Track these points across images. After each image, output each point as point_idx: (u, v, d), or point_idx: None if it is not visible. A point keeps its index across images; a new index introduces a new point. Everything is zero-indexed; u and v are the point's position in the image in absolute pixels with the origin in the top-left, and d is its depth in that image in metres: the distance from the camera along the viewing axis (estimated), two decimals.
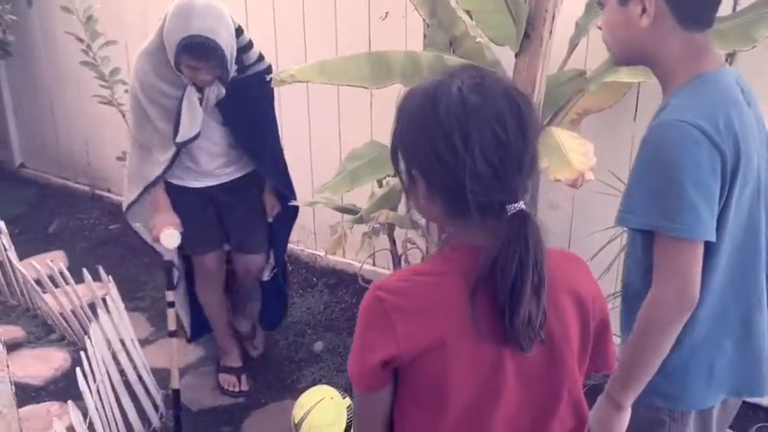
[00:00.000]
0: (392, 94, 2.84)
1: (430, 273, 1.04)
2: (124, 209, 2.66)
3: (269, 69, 2.48)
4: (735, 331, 1.37)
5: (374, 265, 3.47)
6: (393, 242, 2.79)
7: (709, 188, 1.20)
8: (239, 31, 2.37)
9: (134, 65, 2.42)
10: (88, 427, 2.06)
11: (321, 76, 2.17)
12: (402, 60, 2.29)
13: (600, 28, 1.38)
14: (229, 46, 2.28)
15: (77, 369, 2.08)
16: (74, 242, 4.44)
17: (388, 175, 2.72)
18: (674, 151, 1.20)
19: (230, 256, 2.86)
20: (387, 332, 0.98)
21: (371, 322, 1.01)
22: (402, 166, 1.05)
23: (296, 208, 2.75)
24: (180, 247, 2.58)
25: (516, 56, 2.29)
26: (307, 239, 3.69)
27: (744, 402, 1.61)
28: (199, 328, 2.95)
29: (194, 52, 2.21)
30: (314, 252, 3.70)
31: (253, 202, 2.70)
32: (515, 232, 0.96)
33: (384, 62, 2.27)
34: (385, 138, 2.73)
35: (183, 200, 2.58)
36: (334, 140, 3.50)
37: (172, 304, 2.59)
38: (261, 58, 2.49)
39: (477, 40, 2.39)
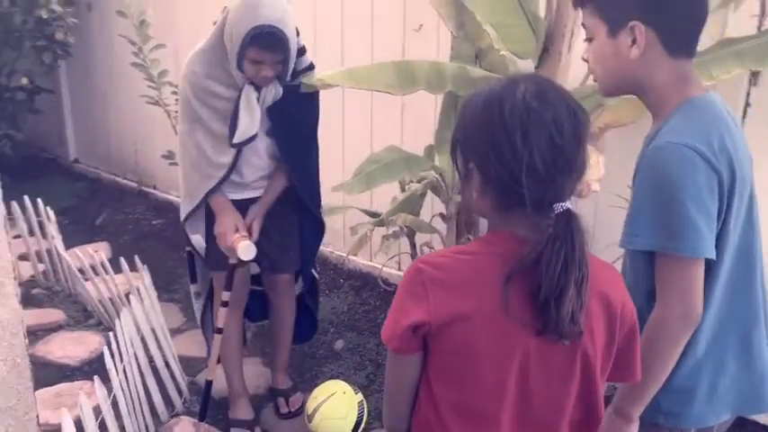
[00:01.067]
0: (421, 103, 2.96)
1: (470, 252, 1.13)
2: (182, 219, 2.51)
3: (312, 67, 2.40)
4: (735, 349, 1.39)
5: (399, 269, 3.57)
6: (413, 246, 2.87)
7: (708, 208, 1.24)
8: (297, 32, 2.29)
9: (184, 68, 2.32)
10: (113, 405, 2.20)
11: (349, 81, 2.28)
12: (427, 69, 2.38)
13: (586, 60, 1.40)
14: (294, 41, 2.21)
15: (104, 348, 2.21)
16: (118, 234, 4.66)
17: (412, 181, 2.82)
18: (674, 173, 1.23)
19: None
20: (420, 300, 1.07)
21: (409, 290, 1.10)
22: (460, 160, 1.15)
23: (323, 227, 2.68)
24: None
25: (536, 69, 2.35)
26: (336, 242, 3.80)
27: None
28: None
29: (263, 42, 2.12)
30: (342, 254, 3.80)
31: (287, 218, 2.57)
32: (562, 230, 1.03)
33: (409, 70, 2.36)
34: (414, 143, 2.83)
35: None
36: (366, 145, 3.61)
37: (225, 304, 2.48)
38: (312, 66, 2.41)
39: (502, 52, 2.46)
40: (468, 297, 1.07)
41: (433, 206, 2.87)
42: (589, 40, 1.37)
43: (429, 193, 2.74)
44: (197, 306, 2.77)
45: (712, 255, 1.26)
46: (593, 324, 1.10)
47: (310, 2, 3.69)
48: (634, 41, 1.29)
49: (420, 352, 1.13)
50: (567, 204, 1.05)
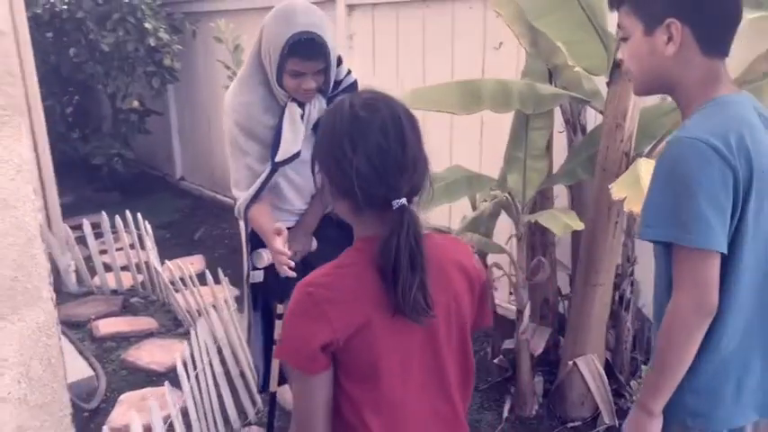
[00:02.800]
0: (503, 124, 2.93)
1: (347, 264, 1.21)
2: (240, 210, 2.28)
3: (356, 83, 2.29)
4: (763, 350, 1.37)
5: None
6: (485, 266, 2.82)
7: (721, 202, 1.24)
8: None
9: (225, 101, 2.20)
10: (184, 409, 2.30)
11: (411, 102, 2.28)
12: (492, 88, 2.36)
13: (622, 60, 1.37)
14: (333, 47, 2.11)
15: (177, 354, 2.32)
16: (214, 248, 4.90)
17: (485, 200, 2.78)
18: (687, 166, 1.25)
19: None
20: (320, 321, 1.14)
21: (305, 313, 1.16)
22: (316, 172, 1.25)
23: None
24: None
25: (608, 85, 2.27)
26: None
27: None
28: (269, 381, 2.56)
29: (303, 49, 2.01)
30: None
31: (336, 242, 2.32)
32: (398, 222, 1.14)
33: (474, 90, 2.36)
34: (491, 164, 2.80)
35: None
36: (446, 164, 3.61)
37: (280, 317, 2.41)
38: (348, 71, 2.28)
39: (576, 69, 2.40)
40: (360, 306, 1.16)
41: (511, 226, 2.82)
42: (624, 39, 1.39)
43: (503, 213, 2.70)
44: (278, 324, 2.72)
45: (723, 248, 1.26)
46: (457, 290, 1.24)
47: (393, 19, 3.76)
48: (670, 39, 1.30)
49: (331, 368, 1.19)
50: (403, 200, 1.14)
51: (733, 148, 1.24)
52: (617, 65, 2.20)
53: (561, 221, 2.19)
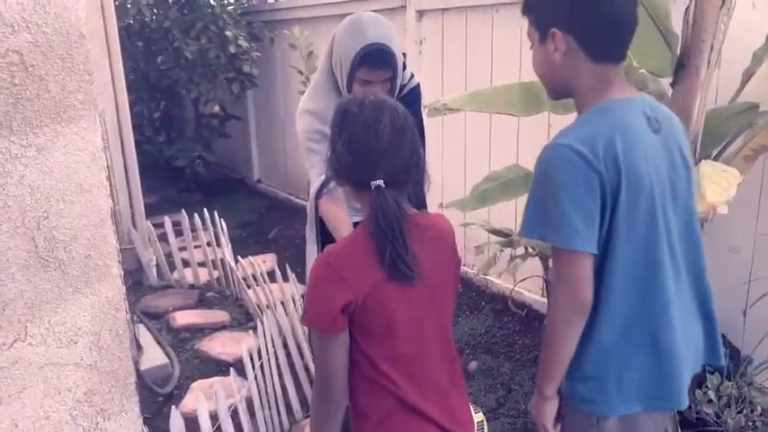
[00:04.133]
0: (539, 122, 2.91)
1: (354, 239, 1.41)
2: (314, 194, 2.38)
3: (419, 87, 2.41)
4: (642, 347, 1.45)
5: (542, 295, 3.50)
6: (546, 268, 2.82)
7: (585, 205, 1.33)
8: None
9: (299, 109, 2.31)
10: (249, 399, 2.42)
11: (471, 104, 2.33)
12: None
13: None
14: (400, 57, 2.23)
15: (243, 344, 2.45)
16: (286, 248, 5.06)
17: None
18: (555, 171, 1.35)
19: None
20: (341, 284, 1.33)
21: (326, 280, 1.34)
22: None
23: None
24: None
25: (672, 86, 2.24)
26: (481, 263, 3.82)
27: None
28: None
29: (373, 59, 2.14)
30: (486, 277, 3.81)
31: None
32: (376, 201, 1.34)
33: (535, 92, 2.37)
34: (530, 162, 2.81)
35: None
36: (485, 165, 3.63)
37: None
38: (411, 75, 2.40)
39: (641, 71, 2.38)
40: (371, 271, 1.34)
41: None
42: (532, 47, 1.50)
43: None
44: None
45: (589, 248, 1.35)
46: (443, 258, 1.45)
47: (462, 24, 3.80)
48: (556, 47, 1.41)
49: (347, 330, 1.36)
50: (379, 182, 1.34)
51: (599, 154, 1.32)
52: (681, 65, 2.17)
53: None
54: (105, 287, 1.12)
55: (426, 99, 2.53)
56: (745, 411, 2.42)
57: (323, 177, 2.30)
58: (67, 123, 1.06)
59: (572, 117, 2.80)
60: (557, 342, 1.44)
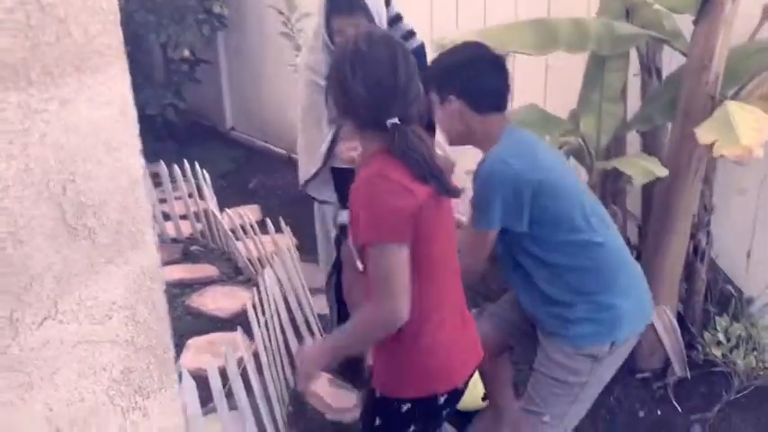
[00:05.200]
0: (568, 64, 2.81)
1: (387, 165, 1.44)
2: (301, 183, 2.51)
3: (421, 48, 2.30)
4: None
5: None
6: None
7: (510, 203, 1.76)
8: (387, 2, 2.25)
9: (299, 66, 2.33)
10: (255, 356, 2.34)
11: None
12: (568, 28, 2.25)
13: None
14: (376, 6, 2.15)
15: (247, 301, 2.35)
16: (268, 198, 4.91)
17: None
18: (488, 177, 1.78)
19: None
20: (403, 193, 1.41)
21: (388, 193, 1.40)
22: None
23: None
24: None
25: (694, 23, 2.14)
26: None
27: None
28: None
29: (338, 6, 2.11)
30: None
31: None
32: (396, 136, 1.40)
33: (550, 29, 2.26)
34: (558, 107, 2.71)
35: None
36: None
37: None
38: (412, 34, 2.33)
39: (656, 7, 2.28)
40: (419, 185, 1.43)
41: (579, 174, 2.73)
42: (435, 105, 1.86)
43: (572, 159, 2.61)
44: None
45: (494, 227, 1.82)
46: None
47: None
48: (452, 107, 1.82)
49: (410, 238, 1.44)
50: (395, 120, 1.39)
51: (525, 164, 1.76)
52: (706, 0, 2.07)
53: (641, 167, 2.11)
54: (139, 256, 1.01)
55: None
56: (755, 352, 2.44)
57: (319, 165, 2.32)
58: (93, 72, 0.93)
59: (582, 57, 2.74)
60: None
